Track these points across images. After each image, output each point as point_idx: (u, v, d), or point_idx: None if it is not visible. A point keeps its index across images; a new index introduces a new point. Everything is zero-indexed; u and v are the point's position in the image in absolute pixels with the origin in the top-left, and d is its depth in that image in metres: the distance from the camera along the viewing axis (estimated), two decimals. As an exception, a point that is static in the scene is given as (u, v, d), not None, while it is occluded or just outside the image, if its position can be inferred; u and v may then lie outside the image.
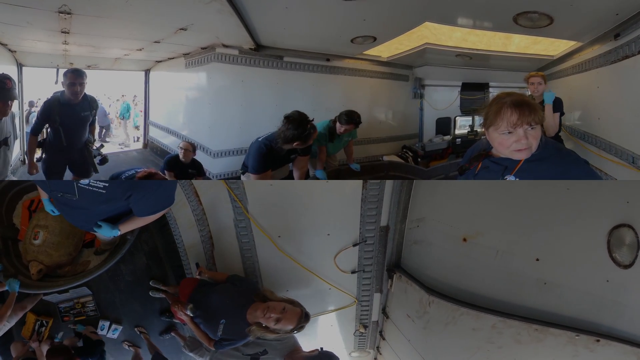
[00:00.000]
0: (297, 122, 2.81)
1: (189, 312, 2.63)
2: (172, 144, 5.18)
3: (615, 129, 3.19)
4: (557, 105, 3.21)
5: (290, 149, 2.98)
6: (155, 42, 4.12)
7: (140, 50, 4.55)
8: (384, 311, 3.42)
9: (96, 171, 3.84)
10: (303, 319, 2.43)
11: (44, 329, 3.87)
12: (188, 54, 4.63)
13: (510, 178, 1.58)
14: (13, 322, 3.49)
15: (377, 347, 3.81)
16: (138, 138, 10.02)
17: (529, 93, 3.34)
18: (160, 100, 5.74)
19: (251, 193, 2.83)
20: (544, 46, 3.94)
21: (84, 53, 4.48)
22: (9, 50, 4.42)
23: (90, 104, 3.52)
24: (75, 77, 3.38)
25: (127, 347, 4.01)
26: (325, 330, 3.48)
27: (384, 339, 3.64)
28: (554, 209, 2.24)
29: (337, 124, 3.78)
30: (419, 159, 5.16)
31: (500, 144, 1.53)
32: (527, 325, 2.32)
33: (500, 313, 2.37)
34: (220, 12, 3.14)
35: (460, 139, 5.26)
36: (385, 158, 5.17)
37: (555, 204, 2.24)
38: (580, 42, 3.54)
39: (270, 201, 2.87)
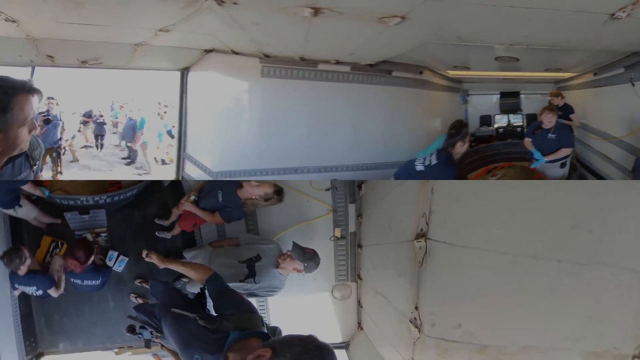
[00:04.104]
0: (455, 127, 3.71)
1: (193, 198, 3.09)
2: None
3: (597, 119, 5.83)
4: (569, 110, 5.96)
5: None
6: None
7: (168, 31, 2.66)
8: (359, 216, 4.10)
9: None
10: (276, 187, 3.22)
11: (58, 250, 4.17)
12: (269, 57, 3.20)
13: (552, 135, 4.45)
14: (31, 214, 3.80)
15: (358, 275, 4.24)
16: (163, 161, 8.06)
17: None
18: (204, 116, 4.09)
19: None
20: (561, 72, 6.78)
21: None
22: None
23: (32, 153, 1.84)
24: None
25: (134, 299, 4.34)
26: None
27: (360, 247, 4.04)
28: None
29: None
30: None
31: (542, 121, 4.44)
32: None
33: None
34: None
35: (502, 129, 7.91)
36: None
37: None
38: (579, 72, 6.38)
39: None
